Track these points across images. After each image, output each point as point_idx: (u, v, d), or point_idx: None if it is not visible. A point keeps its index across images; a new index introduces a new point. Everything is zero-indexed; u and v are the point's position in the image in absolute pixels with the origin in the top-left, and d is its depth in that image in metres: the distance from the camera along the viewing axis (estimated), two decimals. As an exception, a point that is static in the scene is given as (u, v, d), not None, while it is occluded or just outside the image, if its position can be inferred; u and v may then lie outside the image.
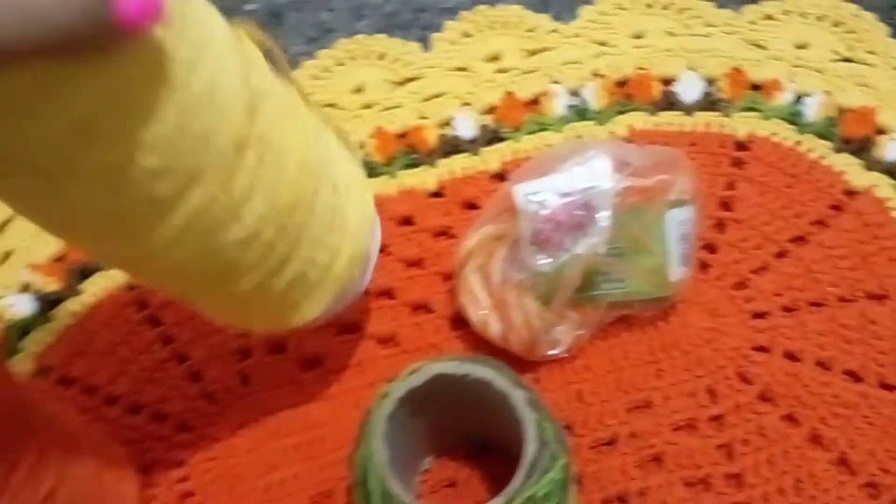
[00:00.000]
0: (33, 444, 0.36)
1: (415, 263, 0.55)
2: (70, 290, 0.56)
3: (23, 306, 0.55)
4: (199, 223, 0.33)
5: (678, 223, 0.48)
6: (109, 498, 0.42)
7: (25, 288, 0.56)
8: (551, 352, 0.49)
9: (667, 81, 0.60)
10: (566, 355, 0.49)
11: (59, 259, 0.57)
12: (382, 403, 0.40)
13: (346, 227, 0.42)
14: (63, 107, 0.27)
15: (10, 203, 0.33)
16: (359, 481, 0.39)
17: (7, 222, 0.59)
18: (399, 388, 0.40)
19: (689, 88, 0.59)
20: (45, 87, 0.26)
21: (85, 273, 0.56)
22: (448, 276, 0.54)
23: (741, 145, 0.57)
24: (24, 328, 0.54)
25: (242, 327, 0.46)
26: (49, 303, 0.55)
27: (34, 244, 0.58)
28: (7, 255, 0.58)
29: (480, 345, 0.51)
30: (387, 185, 0.58)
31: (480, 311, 0.49)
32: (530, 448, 0.38)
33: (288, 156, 0.36)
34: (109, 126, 0.28)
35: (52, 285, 0.56)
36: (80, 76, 0.26)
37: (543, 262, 0.45)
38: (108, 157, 0.29)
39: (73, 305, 0.55)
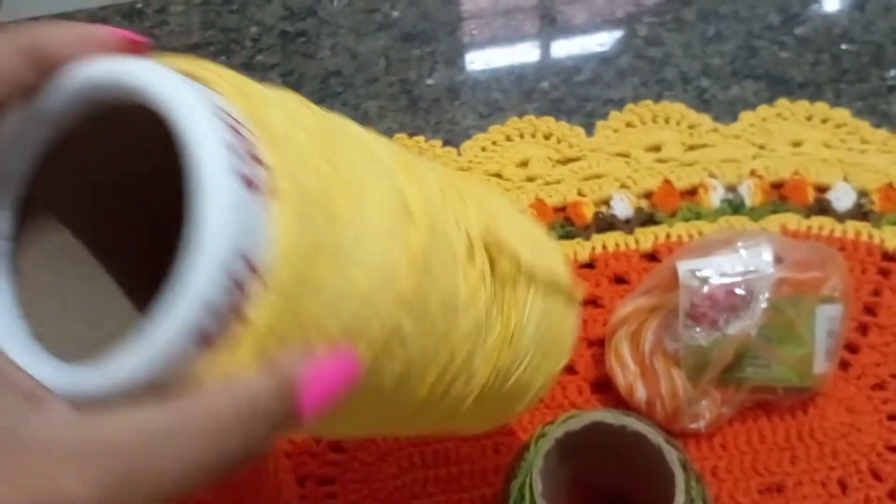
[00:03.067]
0: None
1: (562, 327, 0.59)
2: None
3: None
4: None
5: (827, 319, 0.50)
6: (281, 496, 0.47)
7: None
8: (692, 425, 0.51)
9: (821, 189, 0.63)
10: (705, 431, 0.52)
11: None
12: (541, 442, 0.43)
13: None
14: None
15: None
16: (511, 511, 0.43)
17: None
18: (558, 430, 0.43)
19: (843, 197, 0.62)
20: None
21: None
22: (593, 343, 0.57)
23: (889, 256, 0.59)
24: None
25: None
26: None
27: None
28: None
29: (621, 409, 0.53)
30: (542, 252, 0.62)
31: (628, 376, 0.52)
32: (679, 500, 0.40)
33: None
34: None
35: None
36: None
37: (699, 334, 0.48)
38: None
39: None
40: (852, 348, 0.55)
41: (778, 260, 0.51)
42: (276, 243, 0.21)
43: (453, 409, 0.35)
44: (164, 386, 0.20)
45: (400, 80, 0.77)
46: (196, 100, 0.21)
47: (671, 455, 0.42)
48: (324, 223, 0.22)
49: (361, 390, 0.24)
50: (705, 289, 0.48)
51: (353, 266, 0.23)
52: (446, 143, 0.71)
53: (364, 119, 0.73)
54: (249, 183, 0.21)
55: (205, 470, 0.20)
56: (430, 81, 0.76)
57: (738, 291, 0.48)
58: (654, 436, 0.43)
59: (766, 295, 0.47)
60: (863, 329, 0.56)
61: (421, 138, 0.71)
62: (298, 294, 0.21)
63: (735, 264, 0.49)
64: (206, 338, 0.20)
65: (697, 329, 0.48)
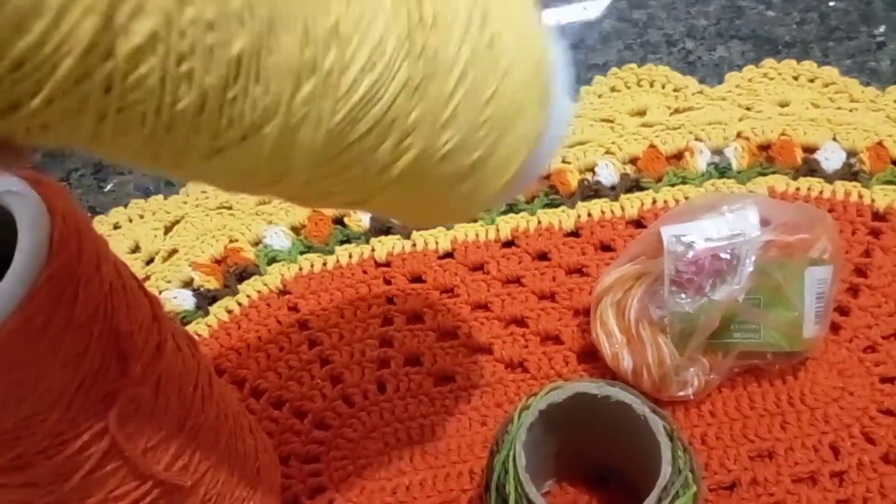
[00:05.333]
0: (211, 411, 0.40)
1: (547, 297, 0.58)
2: (227, 290, 0.60)
3: (184, 300, 0.60)
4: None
5: (817, 281, 0.49)
6: (262, 477, 0.46)
7: (187, 283, 0.61)
8: (680, 393, 0.50)
9: (809, 149, 0.62)
10: (693, 398, 0.51)
11: (219, 261, 0.62)
12: (524, 414, 0.43)
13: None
14: None
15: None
16: (495, 485, 0.42)
17: (175, 223, 0.64)
18: (541, 402, 0.42)
19: (831, 157, 0.61)
20: None
21: (242, 276, 0.61)
22: (578, 312, 0.56)
23: (879, 216, 0.58)
24: (183, 320, 0.59)
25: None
26: (208, 299, 0.60)
27: (198, 245, 0.63)
28: (172, 252, 0.63)
29: (607, 379, 0.53)
30: (526, 220, 0.61)
31: (614, 345, 0.51)
32: (666, 471, 0.40)
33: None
34: None
35: (211, 283, 0.61)
36: None
37: (684, 300, 0.47)
38: None
39: (229, 304, 0.59)
40: (843, 311, 0.54)
41: (766, 223, 0.50)
42: None
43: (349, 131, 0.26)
44: None
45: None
46: None
47: (657, 425, 0.41)
48: None
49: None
50: (690, 254, 0.47)
51: None
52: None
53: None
54: None
55: None
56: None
57: (724, 255, 0.47)
58: (640, 405, 0.42)
59: (753, 259, 0.46)
60: (854, 291, 0.55)
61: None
62: None
63: (721, 228, 0.47)
64: None
65: (683, 295, 0.47)
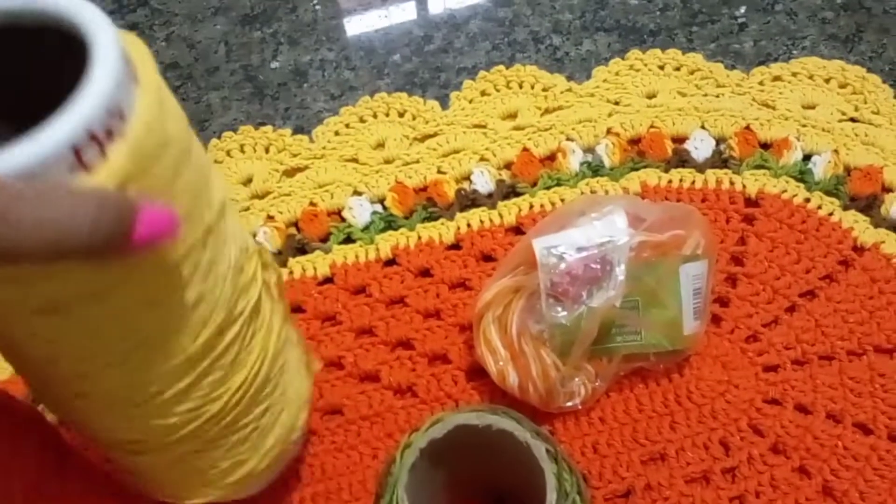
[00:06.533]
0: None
1: (432, 315, 0.56)
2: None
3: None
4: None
5: (692, 277, 0.49)
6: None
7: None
8: (568, 403, 0.50)
9: (679, 140, 0.62)
10: (582, 407, 0.50)
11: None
12: (405, 454, 0.41)
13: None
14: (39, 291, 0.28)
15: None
16: (381, 530, 0.40)
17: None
18: (421, 439, 0.41)
19: (701, 146, 0.61)
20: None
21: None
22: (465, 328, 0.55)
23: (751, 202, 0.58)
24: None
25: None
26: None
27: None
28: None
29: (497, 396, 0.52)
30: (406, 237, 0.59)
31: (498, 361, 0.50)
32: (551, 498, 0.39)
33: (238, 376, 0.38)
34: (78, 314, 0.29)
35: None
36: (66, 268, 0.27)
37: (560, 314, 0.47)
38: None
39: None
40: (723, 301, 0.54)
41: (639, 221, 0.49)
42: (137, 112, 0.27)
43: (203, 408, 0.37)
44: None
45: (243, 67, 0.72)
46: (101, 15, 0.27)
47: (539, 450, 0.40)
48: (171, 121, 0.29)
49: (166, 293, 0.31)
50: (562, 265, 0.46)
51: (189, 165, 0.30)
52: (297, 130, 0.67)
53: (207, 112, 0.69)
54: (130, 70, 0.27)
55: (55, 239, 0.23)
56: (274, 65, 0.72)
57: (595, 265, 0.46)
58: (521, 432, 0.41)
59: (623, 267, 0.46)
60: (732, 281, 0.55)
61: (269, 128, 0.67)
62: (149, 154, 0.27)
63: (590, 236, 0.47)
64: (78, 155, 0.25)
65: (559, 308, 0.46)
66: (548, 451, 0.40)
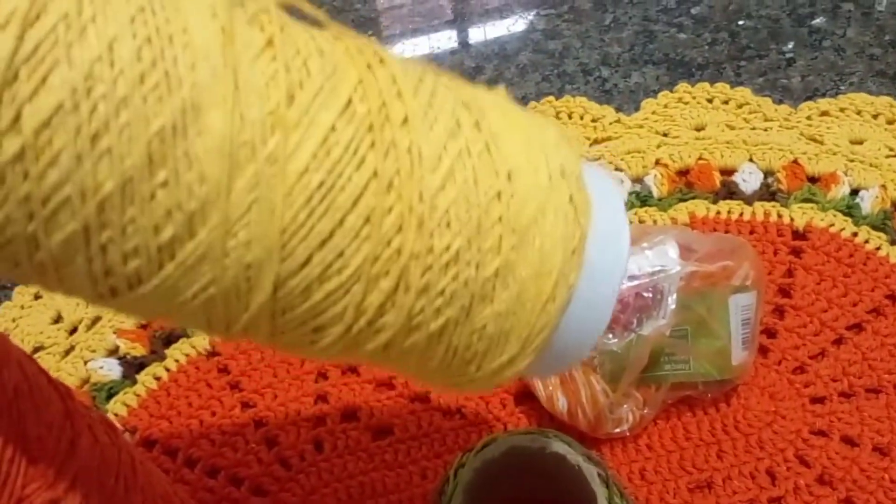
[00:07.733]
0: (136, 500, 0.39)
1: (482, 339, 0.57)
2: (154, 356, 0.59)
3: (110, 370, 0.58)
4: None
5: (741, 308, 0.50)
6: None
7: (113, 352, 0.59)
8: (616, 430, 0.50)
9: (727, 172, 0.63)
10: (630, 434, 0.51)
11: (144, 326, 0.60)
12: (459, 474, 0.42)
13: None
14: None
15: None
16: (435, 548, 0.41)
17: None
18: (476, 460, 0.42)
19: (749, 179, 0.62)
20: None
21: (169, 340, 0.59)
22: (514, 353, 0.56)
23: (799, 235, 0.59)
24: (110, 390, 0.57)
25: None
26: (135, 367, 0.59)
27: (122, 310, 0.61)
28: (96, 320, 0.61)
29: (544, 420, 0.53)
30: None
31: (548, 386, 0.51)
32: (602, 521, 0.39)
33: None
34: None
35: (137, 350, 0.59)
36: None
37: (611, 341, 0.47)
38: None
39: (156, 370, 0.58)
40: (770, 333, 0.55)
41: (689, 251, 0.50)
42: None
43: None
44: None
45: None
46: None
47: (591, 473, 0.41)
48: None
49: None
50: (614, 294, 0.47)
51: None
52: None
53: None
54: None
55: None
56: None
57: (646, 294, 0.47)
58: (573, 455, 0.41)
59: (674, 296, 0.47)
60: (779, 312, 0.56)
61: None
62: None
63: (642, 265, 0.48)
64: None
65: (610, 335, 0.47)
66: (599, 475, 0.41)
